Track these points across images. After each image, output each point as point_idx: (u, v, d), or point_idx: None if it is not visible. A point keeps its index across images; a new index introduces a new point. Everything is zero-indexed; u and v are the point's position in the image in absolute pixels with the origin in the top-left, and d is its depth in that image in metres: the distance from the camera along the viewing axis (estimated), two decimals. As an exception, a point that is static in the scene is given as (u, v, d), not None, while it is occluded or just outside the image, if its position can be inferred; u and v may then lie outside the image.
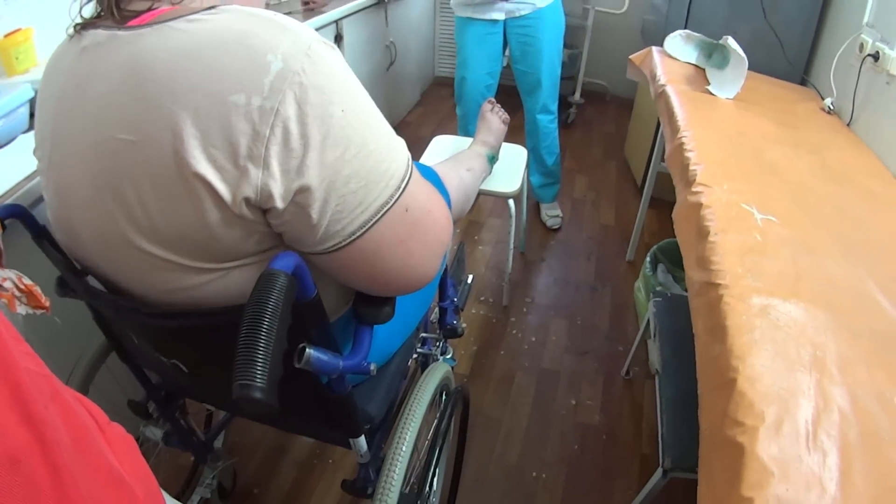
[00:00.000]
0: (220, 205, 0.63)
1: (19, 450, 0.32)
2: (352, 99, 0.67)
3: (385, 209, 0.71)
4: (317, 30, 2.30)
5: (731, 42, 2.05)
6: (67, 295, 0.87)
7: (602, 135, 4.00)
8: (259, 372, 0.54)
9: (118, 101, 0.64)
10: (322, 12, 2.50)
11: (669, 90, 1.91)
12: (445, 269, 1.48)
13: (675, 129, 1.63)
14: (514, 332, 2.22)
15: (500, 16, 2.46)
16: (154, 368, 1.13)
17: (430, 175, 1.43)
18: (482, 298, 2.35)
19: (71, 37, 0.72)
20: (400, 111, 3.80)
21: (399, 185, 0.72)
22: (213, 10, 0.65)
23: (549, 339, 2.20)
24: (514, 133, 2.21)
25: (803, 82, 2.63)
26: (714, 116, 1.78)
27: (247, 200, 0.63)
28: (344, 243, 0.70)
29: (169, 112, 0.61)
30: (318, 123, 0.63)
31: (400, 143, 0.75)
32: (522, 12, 2.45)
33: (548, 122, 2.69)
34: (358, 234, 0.70)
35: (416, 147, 3.22)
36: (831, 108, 2.20)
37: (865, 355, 0.93)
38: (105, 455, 0.46)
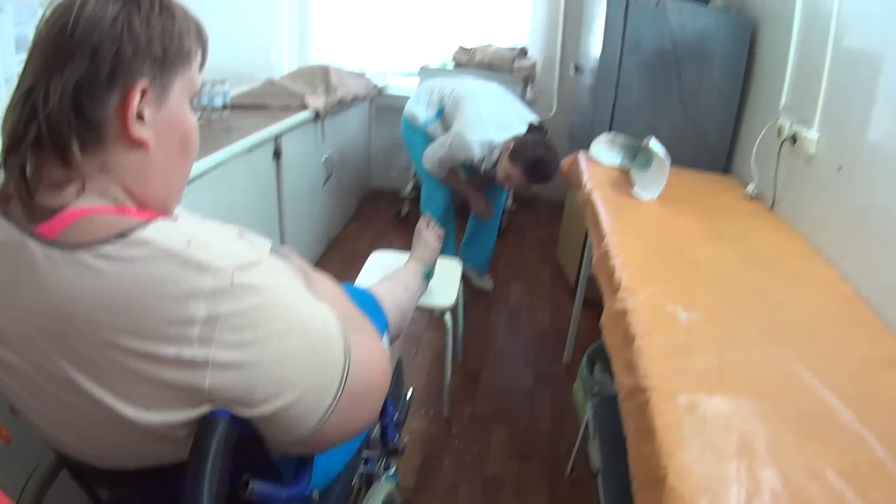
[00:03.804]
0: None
1: None
2: (285, 322, 0.72)
3: (328, 414, 0.76)
4: (256, 146, 2.47)
5: (653, 143, 2.27)
6: (18, 415, 0.89)
7: (535, 239, 4.21)
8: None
9: (44, 330, 0.68)
10: (260, 127, 2.63)
11: (595, 197, 2.10)
12: None
13: (600, 237, 1.80)
14: (457, 442, 2.28)
15: None
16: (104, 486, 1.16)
17: (366, 299, 1.53)
18: (423, 411, 2.41)
19: None
20: (336, 225, 3.91)
21: (338, 388, 0.77)
22: (127, 242, 0.66)
23: (492, 447, 2.27)
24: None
25: (726, 171, 2.87)
26: (639, 219, 1.97)
27: None
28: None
29: (97, 366, 0.66)
30: (253, 358, 0.68)
31: (336, 342, 0.79)
32: None
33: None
34: (302, 439, 0.76)
35: (354, 262, 3.33)
36: (754, 193, 2.42)
37: (794, 435, 1.04)
38: None
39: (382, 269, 2.21)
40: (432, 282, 2.11)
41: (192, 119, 0.85)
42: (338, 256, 3.57)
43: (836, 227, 1.86)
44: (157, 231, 0.68)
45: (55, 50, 0.71)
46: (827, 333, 1.42)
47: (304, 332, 0.74)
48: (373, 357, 0.91)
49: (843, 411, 1.12)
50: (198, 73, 0.84)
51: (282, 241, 2.93)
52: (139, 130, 0.75)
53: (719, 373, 1.19)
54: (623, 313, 1.37)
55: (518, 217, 4.52)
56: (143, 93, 0.74)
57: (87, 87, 0.71)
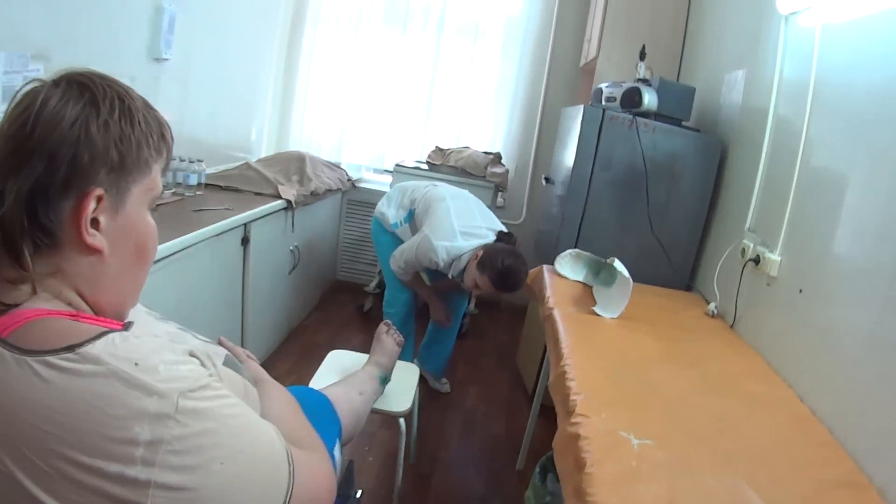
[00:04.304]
0: None
1: None
2: (229, 448, 0.72)
3: None
4: (225, 231, 2.48)
5: (616, 264, 2.32)
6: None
7: (496, 344, 4.23)
8: None
9: None
10: (230, 215, 2.64)
11: (556, 314, 2.12)
12: None
13: (558, 357, 1.81)
14: None
15: None
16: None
17: (321, 402, 1.54)
18: None
19: None
20: (298, 315, 3.89)
21: None
22: (76, 356, 0.67)
23: None
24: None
25: (689, 289, 2.94)
26: (598, 339, 1.99)
27: None
28: None
29: (41, 470, 0.64)
30: (196, 483, 0.68)
31: (281, 465, 0.80)
32: None
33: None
34: None
35: (312, 354, 3.34)
36: (715, 312, 2.47)
37: None
38: None
39: (340, 368, 2.22)
40: (389, 386, 2.12)
41: (150, 223, 0.86)
42: (296, 347, 3.54)
43: (794, 347, 1.91)
44: (107, 347, 0.69)
45: (14, 149, 0.72)
46: (781, 456, 1.44)
47: (248, 457, 0.75)
48: (317, 477, 0.91)
49: None
50: (160, 176, 0.85)
51: (242, 327, 2.91)
52: (93, 237, 0.76)
53: (669, 501, 1.19)
54: (575, 437, 1.37)
55: (480, 320, 4.55)
56: (99, 199, 0.75)
57: (41, 191, 0.72)
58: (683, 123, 2.97)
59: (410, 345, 3.18)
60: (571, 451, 1.36)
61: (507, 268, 2.60)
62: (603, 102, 3.02)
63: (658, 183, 2.83)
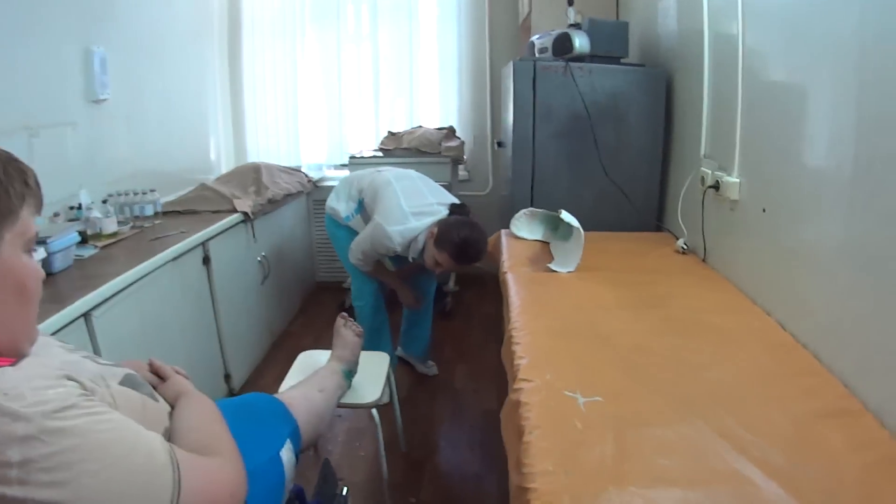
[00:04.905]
0: None
1: None
2: (99, 461, 0.76)
3: None
4: (183, 254, 2.47)
5: (564, 215, 2.22)
6: None
7: (481, 318, 4.14)
8: None
9: None
10: (187, 235, 2.61)
11: (509, 278, 2.03)
12: (301, 491, 1.50)
13: (507, 322, 1.73)
14: None
15: None
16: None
17: (273, 407, 1.55)
18: None
19: None
20: (281, 322, 3.86)
21: None
22: None
23: None
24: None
25: (658, 229, 2.83)
26: (551, 297, 1.90)
27: None
28: None
29: None
30: (69, 497, 0.72)
31: (163, 472, 0.84)
32: None
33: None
34: None
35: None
36: (685, 247, 2.37)
37: None
38: None
39: (312, 368, 2.15)
40: (357, 378, 2.06)
41: (27, 264, 0.89)
42: (282, 354, 3.48)
43: (767, 272, 1.81)
44: None
45: None
46: (755, 395, 1.33)
47: (121, 468, 0.78)
48: (216, 482, 0.94)
49: (767, 487, 1.02)
50: (31, 219, 0.89)
51: (220, 344, 2.88)
52: None
53: (619, 462, 1.09)
54: (517, 405, 1.28)
55: (463, 297, 4.46)
56: None
57: None
58: (623, 61, 2.86)
59: (386, 335, 3.12)
60: (513, 420, 1.27)
61: (465, 240, 2.51)
62: (536, 55, 2.91)
63: (604, 126, 2.73)
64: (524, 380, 1.36)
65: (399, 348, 3.35)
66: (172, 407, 1.13)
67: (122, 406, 0.91)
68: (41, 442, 0.71)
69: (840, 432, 1.17)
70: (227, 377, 2.93)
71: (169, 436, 1.01)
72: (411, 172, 2.96)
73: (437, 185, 2.96)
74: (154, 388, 1.15)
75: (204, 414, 1.14)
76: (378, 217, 2.67)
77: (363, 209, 2.88)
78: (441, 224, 2.59)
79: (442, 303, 4.09)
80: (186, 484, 0.85)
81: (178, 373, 1.26)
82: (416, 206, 2.69)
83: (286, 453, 1.43)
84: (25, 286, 0.88)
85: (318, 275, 4.71)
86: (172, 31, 3.77)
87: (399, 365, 3.31)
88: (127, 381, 1.01)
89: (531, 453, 1.11)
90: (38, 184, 0.90)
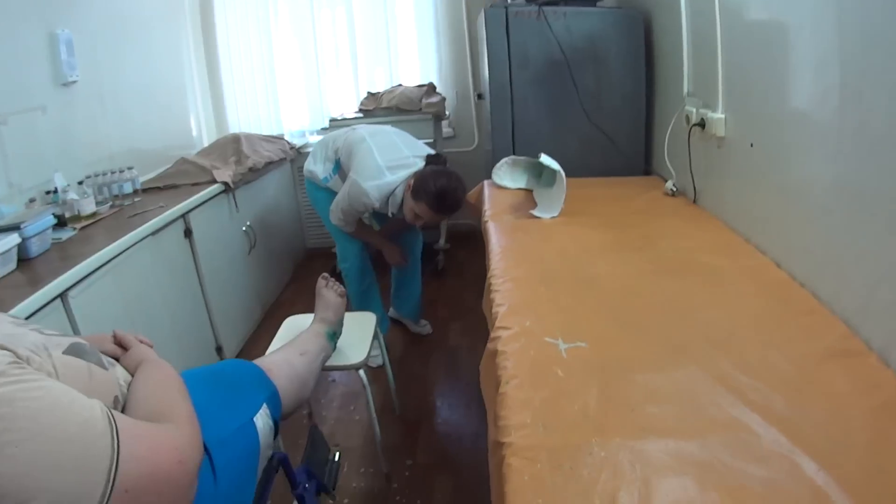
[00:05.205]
0: None
1: None
2: (24, 431, 0.72)
3: None
4: (162, 228, 2.44)
5: (544, 158, 2.14)
6: None
7: (473, 273, 4.04)
8: None
9: None
10: (165, 209, 2.56)
11: (490, 226, 1.96)
12: (285, 458, 1.46)
13: (488, 271, 1.65)
14: (398, 498, 2.15)
15: None
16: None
17: (251, 373, 1.49)
18: (362, 471, 2.30)
19: None
20: (272, 291, 3.82)
21: (106, 487, 0.76)
22: None
23: (435, 499, 2.14)
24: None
25: (647, 172, 2.75)
26: (533, 243, 1.83)
27: None
28: None
29: None
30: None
31: (99, 440, 0.79)
32: None
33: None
34: None
35: (292, 327, 3.22)
36: (674, 189, 2.29)
37: (697, 483, 0.86)
38: None
39: (297, 333, 2.09)
40: (342, 339, 2.02)
41: None
42: (275, 323, 3.38)
43: (759, 209, 1.74)
44: None
45: None
46: (752, 337, 1.25)
47: (49, 437, 0.74)
48: (160, 450, 0.88)
49: (768, 434, 0.95)
50: None
51: (209, 316, 2.85)
52: None
53: (602, 413, 1.02)
54: (494, 354, 1.21)
55: (455, 254, 4.40)
56: None
57: None
58: (599, 4, 2.75)
59: (377, 296, 3.07)
60: (491, 371, 1.20)
61: (441, 189, 2.42)
62: (509, 1, 2.80)
63: (584, 70, 2.64)
64: (502, 327, 1.28)
65: (391, 309, 3.30)
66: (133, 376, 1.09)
67: (64, 375, 0.88)
68: None
69: (844, 374, 1.10)
70: (219, 349, 2.89)
71: (124, 404, 0.99)
72: (386, 128, 2.87)
73: (412, 138, 2.87)
74: (117, 359, 1.12)
75: (161, 381, 1.11)
76: (353, 174, 2.59)
77: (340, 168, 2.80)
78: (417, 175, 2.52)
79: (434, 261, 4.04)
80: (126, 451, 0.80)
81: (142, 342, 1.22)
82: (391, 160, 2.61)
83: (261, 419, 1.37)
84: None
85: (307, 241, 4.66)
86: (141, 6, 3.66)
87: (392, 326, 3.26)
88: (72, 350, 0.98)
89: (507, 405, 1.04)
90: None
